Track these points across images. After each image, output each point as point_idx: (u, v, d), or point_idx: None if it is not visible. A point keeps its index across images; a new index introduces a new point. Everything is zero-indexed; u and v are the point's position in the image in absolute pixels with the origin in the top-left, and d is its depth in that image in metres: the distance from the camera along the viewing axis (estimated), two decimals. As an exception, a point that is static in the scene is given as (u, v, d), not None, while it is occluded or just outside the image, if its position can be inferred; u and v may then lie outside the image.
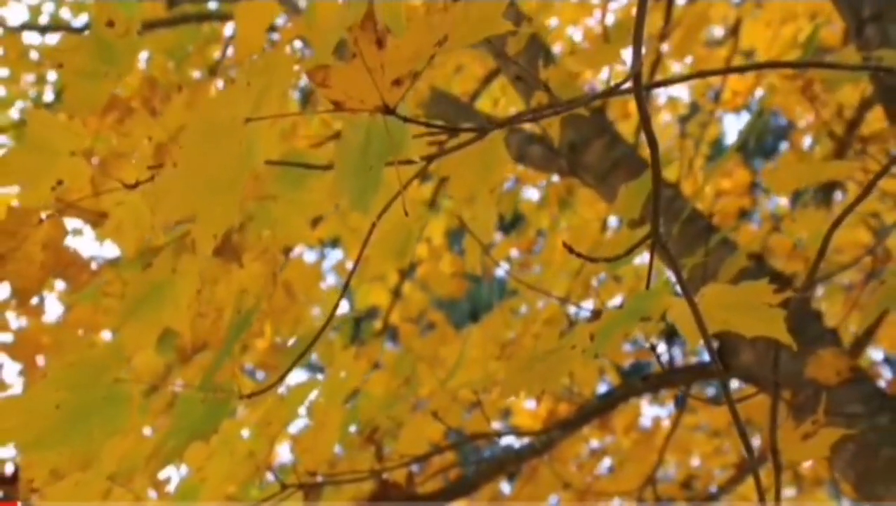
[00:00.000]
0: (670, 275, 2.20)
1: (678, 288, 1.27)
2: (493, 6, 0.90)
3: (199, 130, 0.88)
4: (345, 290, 1.12)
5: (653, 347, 1.18)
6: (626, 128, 4.30)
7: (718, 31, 4.79)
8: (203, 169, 0.91)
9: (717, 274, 1.82)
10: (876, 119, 3.16)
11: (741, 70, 0.95)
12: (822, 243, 1.64)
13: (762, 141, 7.15)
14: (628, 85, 1.02)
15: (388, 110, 0.93)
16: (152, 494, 1.95)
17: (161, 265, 1.33)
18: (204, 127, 0.88)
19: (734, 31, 3.97)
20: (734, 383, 2.41)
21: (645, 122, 0.95)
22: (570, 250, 1.01)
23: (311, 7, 1.94)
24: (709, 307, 1.10)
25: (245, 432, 1.63)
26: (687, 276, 2.02)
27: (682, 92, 4.65)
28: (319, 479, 1.96)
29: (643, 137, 3.56)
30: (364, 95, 0.92)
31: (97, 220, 1.58)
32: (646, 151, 3.40)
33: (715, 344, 2.16)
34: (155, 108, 1.29)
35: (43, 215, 1.37)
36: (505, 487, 3.85)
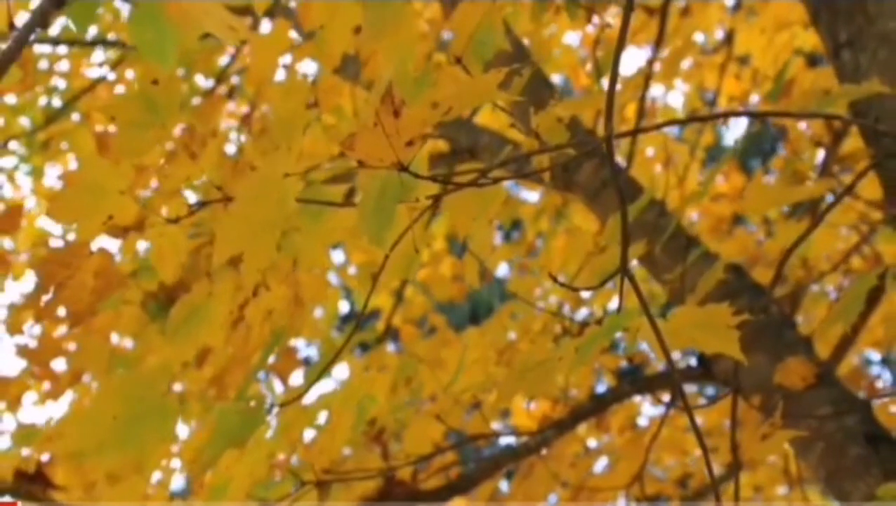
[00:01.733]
0: (656, 286, 2.43)
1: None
2: (490, 79, 1.13)
3: (253, 186, 1.12)
4: (357, 326, 1.35)
5: (630, 360, 1.41)
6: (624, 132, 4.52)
7: (718, 34, 5.00)
8: (250, 216, 1.15)
9: (695, 288, 2.04)
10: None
11: (705, 119, 1.11)
12: (786, 253, 1.88)
13: (760, 142, 7.39)
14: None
15: (402, 167, 1.16)
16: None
17: (199, 290, 1.57)
18: (256, 184, 1.12)
19: (728, 39, 4.19)
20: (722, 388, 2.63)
21: (615, 177, 1.17)
22: (555, 280, 1.24)
23: (320, 34, 2.17)
24: (677, 327, 1.34)
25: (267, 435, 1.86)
26: (669, 290, 2.25)
27: (677, 100, 4.86)
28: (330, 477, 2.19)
29: (639, 143, 3.75)
30: (382, 155, 1.16)
31: (121, 233, 1.82)
32: (636, 170, 3.60)
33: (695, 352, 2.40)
34: (194, 153, 1.52)
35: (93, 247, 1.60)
36: (503, 486, 4.08)
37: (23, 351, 3.23)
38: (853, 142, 3.41)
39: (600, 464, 3.95)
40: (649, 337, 1.33)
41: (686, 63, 4.45)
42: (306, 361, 6.86)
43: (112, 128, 4.28)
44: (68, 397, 3.61)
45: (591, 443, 3.97)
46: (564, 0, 2.06)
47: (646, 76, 3.33)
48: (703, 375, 2.29)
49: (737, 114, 1.41)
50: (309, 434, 2.52)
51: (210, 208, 1.59)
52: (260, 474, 1.88)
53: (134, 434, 1.50)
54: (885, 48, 2.14)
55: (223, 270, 2.29)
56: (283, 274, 1.64)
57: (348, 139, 1.10)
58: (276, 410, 1.67)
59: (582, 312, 3.86)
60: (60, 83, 3.96)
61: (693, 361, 2.31)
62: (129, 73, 4.01)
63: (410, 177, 1.17)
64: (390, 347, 5.17)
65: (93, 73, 4.10)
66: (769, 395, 2.08)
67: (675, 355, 2.78)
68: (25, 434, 2.94)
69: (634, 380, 2.28)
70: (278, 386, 3.77)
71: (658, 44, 3.38)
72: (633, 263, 2.64)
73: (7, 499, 3.13)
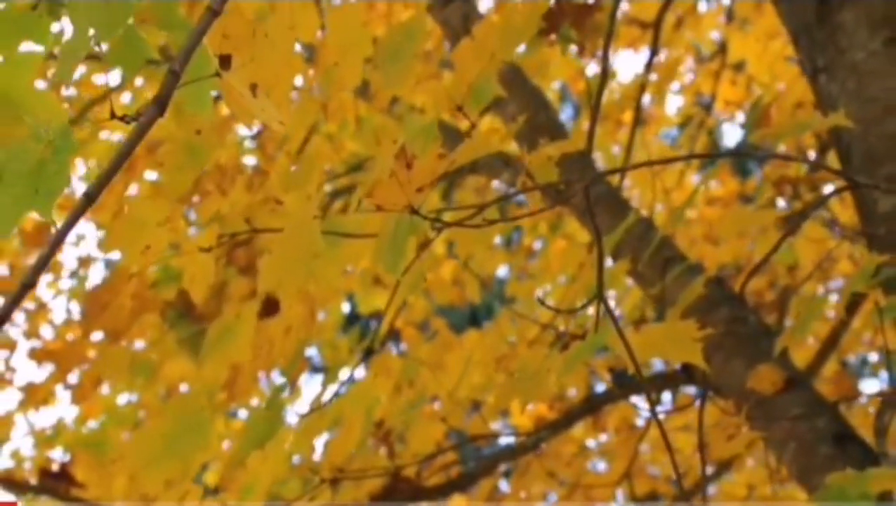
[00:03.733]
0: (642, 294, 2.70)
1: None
2: (485, 141, 1.40)
3: (289, 231, 1.39)
4: (370, 347, 1.62)
5: (611, 369, 1.68)
6: (621, 137, 4.81)
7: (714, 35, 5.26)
8: (286, 254, 1.42)
9: (676, 301, 2.31)
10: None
11: (684, 158, 1.32)
12: (757, 264, 2.15)
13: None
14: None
15: (413, 210, 1.43)
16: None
17: (229, 312, 1.84)
18: (291, 229, 1.39)
19: (722, 48, 4.45)
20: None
21: (591, 218, 1.44)
22: (542, 303, 1.51)
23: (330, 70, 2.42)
24: (648, 340, 1.61)
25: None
26: (654, 302, 2.52)
27: (671, 108, 5.13)
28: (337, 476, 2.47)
29: (633, 151, 4.03)
30: (396, 200, 1.43)
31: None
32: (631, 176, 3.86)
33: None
34: (225, 189, 1.80)
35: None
36: (503, 486, 4.37)
37: (37, 354, 3.50)
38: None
39: (598, 463, 4.24)
40: (639, 348, 1.60)
41: (682, 70, 4.73)
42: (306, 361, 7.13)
43: (120, 134, 4.53)
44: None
45: (591, 443, 4.26)
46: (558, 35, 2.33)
47: (640, 86, 3.61)
48: (686, 379, 2.56)
49: (713, 156, 1.64)
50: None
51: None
52: (280, 474, 2.16)
53: (179, 448, 1.78)
54: (853, 78, 2.41)
55: (236, 279, 2.57)
56: (302, 294, 1.91)
57: (369, 188, 1.37)
58: (298, 416, 1.95)
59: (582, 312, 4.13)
60: (70, 91, 4.21)
61: (677, 367, 2.58)
62: (139, 82, 4.27)
63: (420, 218, 1.45)
64: (392, 349, 5.44)
65: (101, 79, 4.34)
66: (746, 399, 2.35)
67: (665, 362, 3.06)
68: (48, 436, 3.21)
69: (623, 384, 2.55)
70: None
71: (652, 57, 3.65)
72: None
73: (23, 497, 3.41)
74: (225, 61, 0.99)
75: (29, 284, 0.81)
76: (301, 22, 1.97)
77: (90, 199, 0.86)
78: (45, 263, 0.82)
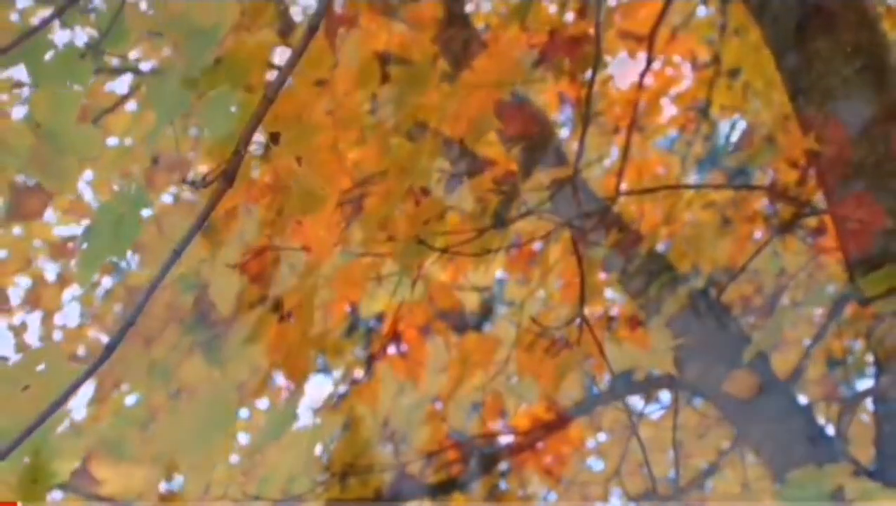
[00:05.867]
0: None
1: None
2: (484, 181, 1.68)
3: (311, 258, 1.67)
4: (370, 360, 1.89)
5: (593, 377, 1.95)
6: (619, 141, 5.07)
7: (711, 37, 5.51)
8: (306, 277, 1.70)
9: (661, 310, 2.58)
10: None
11: (671, 188, 1.53)
12: (734, 275, 2.42)
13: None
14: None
15: (420, 241, 1.71)
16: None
17: (251, 318, 2.11)
18: (313, 255, 1.67)
19: (716, 58, 4.71)
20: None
21: (576, 249, 1.72)
22: (534, 321, 1.78)
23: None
24: (626, 350, 1.88)
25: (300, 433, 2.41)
26: (644, 308, 2.80)
27: (668, 113, 5.39)
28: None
29: (630, 158, 4.24)
30: (405, 230, 1.70)
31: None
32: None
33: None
34: (250, 209, 2.07)
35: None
36: (502, 485, 4.64)
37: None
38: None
39: (596, 462, 4.52)
40: (618, 356, 1.88)
41: (679, 76, 4.99)
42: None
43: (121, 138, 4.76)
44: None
45: (590, 442, 4.54)
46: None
47: (634, 102, 3.87)
48: (672, 383, 2.83)
49: (696, 186, 1.89)
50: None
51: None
52: (295, 469, 2.44)
53: (205, 435, 2.05)
54: (827, 103, 2.68)
55: (249, 287, 2.83)
56: (320, 304, 2.18)
57: (382, 221, 1.65)
58: (313, 414, 2.23)
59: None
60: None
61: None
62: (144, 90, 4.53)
63: (426, 247, 1.72)
64: (392, 350, 5.69)
65: (110, 85, 4.62)
66: (726, 401, 2.63)
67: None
68: (72, 435, 3.47)
69: (613, 388, 2.82)
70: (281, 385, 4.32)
71: (647, 69, 3.90)
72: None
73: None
74: (275, 137, 1.25)
75: (130, 323, 1.08)
76: (317, 60, 2.24)
77: (178, 254, 1.12)
78: (143, 305, 1.08)
